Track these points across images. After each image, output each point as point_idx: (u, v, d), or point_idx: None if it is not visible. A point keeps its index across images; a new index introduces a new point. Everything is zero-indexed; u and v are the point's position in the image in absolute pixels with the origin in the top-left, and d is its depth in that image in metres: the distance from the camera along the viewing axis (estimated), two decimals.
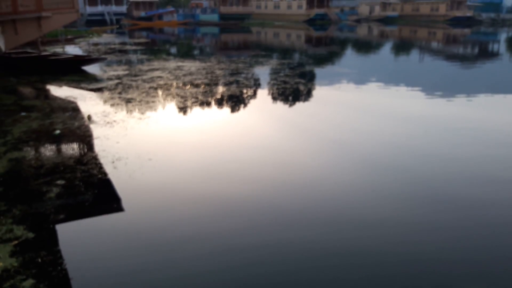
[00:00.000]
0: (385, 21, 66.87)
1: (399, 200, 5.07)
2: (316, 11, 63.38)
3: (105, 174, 5.62)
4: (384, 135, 7.64)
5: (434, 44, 31.33)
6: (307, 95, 11.62)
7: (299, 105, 10.61)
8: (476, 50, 27.71)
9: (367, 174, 5.84)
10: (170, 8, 56.72)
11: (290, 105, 10.52)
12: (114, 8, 51.86)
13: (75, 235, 4.24)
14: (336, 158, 6.49)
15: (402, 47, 29.45)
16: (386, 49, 27.81)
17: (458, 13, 67.22)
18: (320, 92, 12.01)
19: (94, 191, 5.13)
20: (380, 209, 4.83)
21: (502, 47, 30.18)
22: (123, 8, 53.58)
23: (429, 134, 7.72)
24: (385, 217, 4.64)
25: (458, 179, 5.75)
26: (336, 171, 5.99)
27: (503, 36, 40.20)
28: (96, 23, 46.68)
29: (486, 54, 25.24)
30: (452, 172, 5.96)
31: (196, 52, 24.02)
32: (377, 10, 70.87)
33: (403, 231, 4.38)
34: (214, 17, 57.19)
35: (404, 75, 15.59)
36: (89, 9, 50.13)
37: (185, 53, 22.77)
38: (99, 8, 50.84)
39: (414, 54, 24.90)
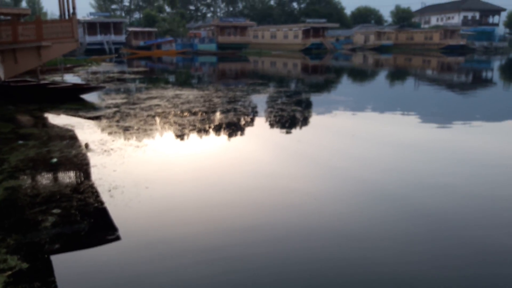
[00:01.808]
0: (380, 49, 68.28)
1: (397, 230, 5.04)
2: (312, 40, 64.81)
3: (101, 202, 5.58)
4: (381, 162, 7.65)
5: (429, 72, 31.91)
6: (304, 122, 11.72)
7: (296, 132, 10.68)
8: (470, 77, 28.23)
9: (364, 202, 5.82)
10: (169, 38, 57.83)
11: (287, 132, 10.59)
12: (113, 37, 52.80)
13: (70, 265, 4.17)
14: (334, 186, 6.49)
15: (397, 75, 29.98)
16: (381, 77, 28.30)
17: (452, 42, 68.82)
18: (316, 119, 12.13)
19: (90, 220, 5.08)
20: (376, 238, 4.79)
21: (495, 74, 30.77)
22: (122, 38, 54.57)
23: (427, 161, 7.74)
24: (380, 246, 4.60)
25: (455, 206, 5.73)
26: (334, 199, 5.97)
27: (496, 64, 41.06)
28: (95, 52, 47.41)
29: (480, 81, 25.71)
30: (451, 199, 5.95)
31: (194, 80, 24.35)
32: (372, 39, 72.49)
33: (404, 262, 4.33)
34: (212, 47, 58.26)
35: (400, 102, 15.80)
36: (89, 38, 51.00)
37: (183, 82, 23.07)
38: (99, 37, 51.73)
39: (409, 81, 25.32)
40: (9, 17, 29.88)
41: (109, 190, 5.99)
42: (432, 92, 19.54)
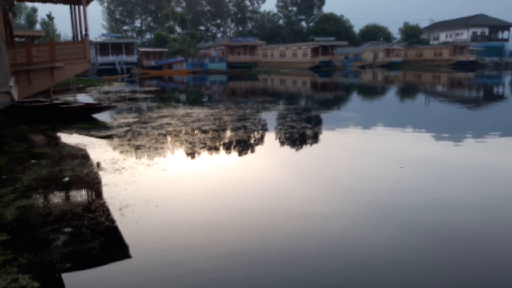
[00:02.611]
0: (389, 66, 68.39)
1: (415, 252, 4.93)
2: (321, 58, 65.29)
3: (112, 221, 5.58)
4: (394, 180, 7.56)
5: (440, 88, 31.77)
6: (314, 139, 11.69)
7: (306, 149, 10.65)
8: (482, 93, 28.00)
9: (380, 223, 5.72)
10: (180, 58, 58.82)
11: (297, 150, 10.56)
12: (125, 57, 53.84)
13: (81, 284, 4.15)
14: (346, 206, 6.37)
15: (407, 91, 29.89)
16: (391, 93, 28.23)
17: (461, 58, 68.72)
18: (326, 136, 12.09)
19: (101, 239, 5.08)
20: (389, 256, 4.68)
21: (507, 89, 30.50)
22: (133, 58, 55.63)
23: (441, 179, 7.62)
24: (394, 268, 4.49)
25: (469, 224, 5.60)
26: (347, 220, 5.87)
27: (507, 79, 40.73)
28: (107, 72, 48.32)
29: (492, 96, 25.48)
30: (470, 219, 5.83)
31: (204, 99, 24.57)
32: (381, 56, 72.74)
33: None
34: (222, 66, 59.06)
35: (411, 119, 15.67)
36: (101, 59, 52.06)
37: (194, 100, 23.30)
38: (110, 58, 52.79)
39: (420, 98, 25.21)
40: (23, 39, 30.77)
41: (120, 209, 6.00)
42: (443, 108, 19.42)
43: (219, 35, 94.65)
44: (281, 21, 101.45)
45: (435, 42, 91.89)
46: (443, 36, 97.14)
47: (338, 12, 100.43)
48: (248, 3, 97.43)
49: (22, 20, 78.64)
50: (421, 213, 5.93)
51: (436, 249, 4.85)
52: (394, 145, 10.69)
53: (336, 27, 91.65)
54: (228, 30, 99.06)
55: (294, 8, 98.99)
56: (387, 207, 6.15)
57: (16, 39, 26.69)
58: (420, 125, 13.80)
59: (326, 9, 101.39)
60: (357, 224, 5.60)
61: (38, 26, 78.79)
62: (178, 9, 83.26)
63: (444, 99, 23.22)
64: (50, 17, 69.08)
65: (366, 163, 8.86)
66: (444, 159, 9.07)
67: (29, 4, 72.68)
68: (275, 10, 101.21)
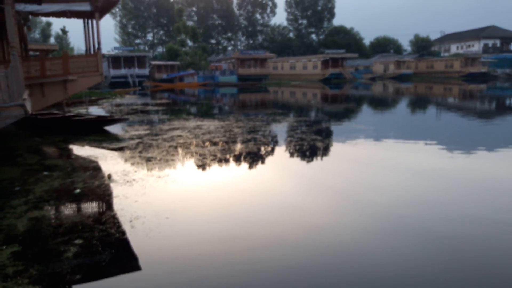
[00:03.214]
0: (400, 78, 68.16)
1: (425, 267, 4.83)
2: (331, 70, 65.41)
3: (122, 233, 5.59)
4: (405, 192, 7.46)
5: (451, 100, 31.50)
6: (325, 151, 11.63)
7: (316, 162, 10.59)
8: (493, 105, 27.67)
9: (390, 235, 5.64)
10: (191, 71, 59.47)
11: (308, 162, 10.51)
12: (137, 70, 54.61)
13: None
14: (357, 217, 6.30)
15: (418, 103, 29.67)
16: (402, 105, 28.06)
17: (473, 69, 68.23)
18: (337, 148, 12.01)
19: (111, 250, 5.08)
20: (401, 270, 4.59)
21: None
22: (145, 71, 56.39)
23: (454, 192, 7.53)
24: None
25: (483, 238, 5.48)
26: (358, 232, 5.79)
27: None
28: (120, 85, 49.00)
29: (504, 108, 25.14)
30: (485, 233, 5.71)
31: (215, 111, 24.72)
32: (392, 68, 72.59)
33: None
34: (233, 78, 59.55)
35: (422, 131, 15.50)
36: (113, 72, 52.83)
37: (205, 113, 23.45)
38: (123, 71, 53.57)
39: (431, 109, 25.00)
40: (38, 53, 31.47)
41: (131, 221, 6.01)
42: (455, 120, 19.21)
43: (230, 48, 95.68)
44: (291, 34, 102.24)
45: (446, 54, 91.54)
46: (454, 48, 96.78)
47: (348, 25, 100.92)
48: (258, 16, 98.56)
49: (36, 34, 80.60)
50: (434, 226, 5.82)
51: (449, 263, 4.76)
52: (405, 157, 10.57)
53: (346, 39, 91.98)
54: (238, 43, 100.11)
55: (304, 21, 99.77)
56: (398, 221, 6.06)
57: (31, 52, 27.31)
58: (432, 137, 13.65)
59: (336, 21, 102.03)
60: (368, 238, 5.51)
61: (52, 40, 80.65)
62: (190, 23, 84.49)
63: (456, 111, 22.99)
64: (64, 31, 70.67)
65: (377, 175, 8.76)
66: (456, 172, 8.93)
67: (44, 19, 74.57)
68: (285, 23, 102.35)
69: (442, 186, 7.84)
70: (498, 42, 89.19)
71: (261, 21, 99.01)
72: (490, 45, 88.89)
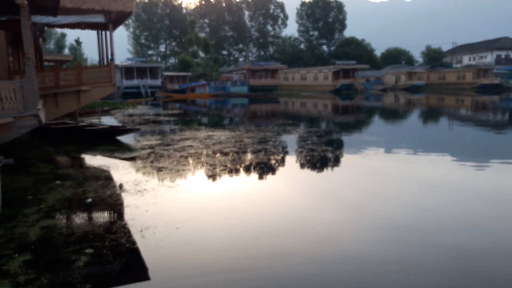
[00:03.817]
0: (411, 89, 67.77)
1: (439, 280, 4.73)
2: (342, 81, 65.40)
3: (133, 243, 5.60)
4: (417, 205, 7.34)
5: (463, 111, 31.14)
6: (335, 162, 11.56)
7: (327, 173, 10.51)
8: (507, 116, 27.25)
9: (401, 248, 5.54)
10: (202, 81, 60.05)
11: (318, 173, 10.44)
12: (149, 81, 55.34)
13: None
14: (370, 231, 6.21)
15: (430, 114, 29.40)
16: (414, 117, 27.82)
17: (485, 81, 67.65)
18: (348, 159, 11.92)
19: (122, 260, 5.09)
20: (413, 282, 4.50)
21: None
22: (158, 82, 57.10)
23: (467, 204, 7.40)
24: None
25: (496, 252, 5.35)
26: (370, 244, 5.70)
27: None
28: (132, 95, 49.64)
29: None
30: (493, 246, 5.57)
31: (226, 122, 24.82)
32: (403, 79, 72.26)
33: None
34: (244, 89, 59.91)
35: (434, 143, 15.31)
36: (126, 82, 53.59)
37: (216, 123, 23.55)
38: (135, 81, 54.32)
39: (443, 121, 24.72)
40: (52, 63, 32.08)
41: (141, 230, 6.01)
42: (467, 131, 18.95)
43: (241, 59, 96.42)
44: (302, 45, 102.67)
45: (458, 65, 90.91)
46: (466, 59, 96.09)
47: (359, 36, 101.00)
48: (269, 28, 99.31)
49: (51, 45, 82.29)
50: (446, 239, 5.71)
51: (462, 277, 4.65)
52: (417, 169, 10.41)
53: (357, 50, 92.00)
54: (250, 54, 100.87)
55: (316, 33, 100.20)
56: (410, 233, 5.96)
57: (46, 63, 27.87)
58: (444, 149, 13.48)
59: (347, 33, 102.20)
60: (379, 250, 5.43)
61: (66, 51, 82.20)
62: (202, 35, 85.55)
63: (468, 123, 22.68)
64: (78, 42, 72.12)
65: (388, 187, 8.67)
66: (468, 184, 8.81)
67: (59, 30, 76.20)
68: (296, 34, 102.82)
69: (453, 198, 7.72)
70: (511, 54, 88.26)
71: (272, 33, 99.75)
72: (503, 56, 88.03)
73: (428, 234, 5.95)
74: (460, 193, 8.16)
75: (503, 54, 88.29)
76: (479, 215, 6.82)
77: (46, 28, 19.24)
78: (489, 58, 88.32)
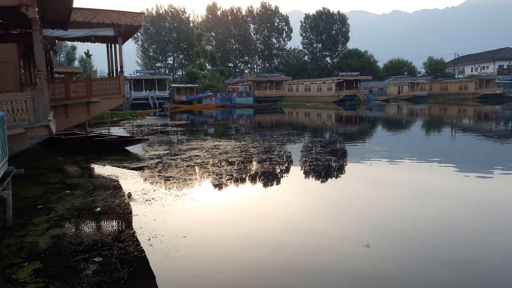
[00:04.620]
0: (414, 100, 67.85)
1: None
2: (345, 92, 65.68)
3: (141, 251, 5.68)
4: (424, 214, 7.36)
5: (466, 121, 31.05)
6: (340, 172, 11.60)
7: (331, 182, 10.55)
8: (510, 126, 27.13)
9: (412, 260, 5.56)
10: (209, 93, 60.63)
11: (322, 182, 10.49)
12: (157, 93, 55.95)
13: None
14: (379, 243, 6.24)
15: (433, 124, 29.34)
16: (417, 126, 27.78)
17: (488, 91, 67.68)
18: (352, 169, 11.93)
19: (130, 269, 5.16)
20: None
21: None
22: (165, 93, 57.72)
23: (476, 216, 7.39)
24: None
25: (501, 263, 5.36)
26: (380, 257, 5.73)
27: None
28: (141, 106, 50.14)
29: None
30: (497, 256, 5.58)
31: (232, 132, 24.94)
32: (406, 90, 72.36)
33: None
34: (249, 100, 60.37)
35: (437, 152, 15.27)
36: (134, 94, 54.23)
37: (222, 133, 23.69)
38: (144, 93, 54.93)
39: (446, 131, 24.67)
40: (62, 75, 32.54)
41: (149, 239, 6.10)
42: (470, 141, 18.89)
43: (246, 71, 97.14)
44: (306, 57, 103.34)
45: (461, 76, 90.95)
46: (468, 70, 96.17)
47: (362, 48, 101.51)
48: (274, 41, 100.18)
49: (62, 57, 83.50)
50: (454, 250, 5.75)
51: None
52: (420, 178, 10.42)
53: (360, 62, 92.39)
54: (255, 66, 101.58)
55: (319, 45, 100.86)
56: (418, 246, 5.98)
57: (56, 75, 28.28)
58: (447, 158, 13.47)
59: (350, 45, 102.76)
60: (387, 260, 5.46)
61: (76, 63, 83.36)
62: (209, 47, 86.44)
63: (471, 133, 22.59)
64: (87, 55, 73.12)
65: (394, 197, 8.69)
66: (473, 194, 8.80)
67: (69, 43, 77.37)
68: (300, 46, 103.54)
69: (458, 208, 7.74)
70: None
71: (277, 45, 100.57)
72: (505, 66, 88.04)
73: (438, 247, 5.94)
74: (465, 202, 8.16)
75: (505, 64, 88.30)
76: (485, 224, 6.83)
77: (56, 41, 19.60)
78: (491, 68, 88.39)
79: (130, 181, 10.27)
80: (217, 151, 14.97)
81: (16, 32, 14.44)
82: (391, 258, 5.53)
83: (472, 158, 14.05)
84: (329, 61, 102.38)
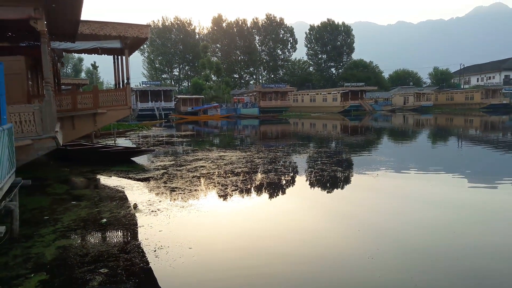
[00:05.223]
0: (420, 110, 67.70)
1: None
2: (351, 103, 65.72)
3: (146, 262, 5.66)
4: (431, 225, 7.28)
5: (472, 131, 30.87)
6: (345, 182, 11.54)
7: (337, 192, 10.50)
8: None
9: (419, 271, 5.50)
10: (214, 103, 60.94)
11: (328, 193, 10.44)
12: (163, 104, 56.33)
13: None
14: (384, 252, 6.19)
15: (439, 134, 29.20)
16: (423, 137, 27.65)
17: (494, 101, 67.51)
18: (358, 179, 11.87)
19: (135, 280, 5.15)
20: None
21: None
22: (171, 104, 58.10)
23: (484, 227, 7.32)
24: None
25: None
26: (385, 266, 5.68)
27: None
28: (147, 117, 50.47)
29: None
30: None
31: (237, 142, 24.96)
32: (411, 100, 72.26)
33: None
34: (255, 111, 60.57)
35: (443, 163, 15.17)
36: (140, 105, 54.62)
37: (227, 144, 23.72)
38: (150, 104, 55.34)
39: (452, 141, 24.51)
40: (69, 87, 32.91)
41: (155, 250, 6.08)
42: (477, 151, 18.75)
43: (252, 82, 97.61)
44: (311, 68, 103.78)
45: (466, 86, 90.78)
46: (474, 80, 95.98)
47: (367, 59, 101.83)
48: (279, 52, 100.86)
49: (68, 69, 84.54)
50: (461, 260, 5.67)
51: None
52: (427, 189, 10.33)
53: (366, 72, 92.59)
54: (260, 77, 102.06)
55: (324, 56, 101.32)
56: (426, 255, 5.92)
57: (63, 86, 28.60)
58: (453, 168, 13.35)
59: (355, 55, 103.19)
60: (393, 271, 5.40)
61: (83, 74, 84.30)
62: (214, 59, 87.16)
63: (478, 143, 22.42)
64: (94, 66, 73.97)
65: (399, 207, 8.62)
66: (479, 204, 8.71)
67: (76, 55, 78.39)
68: (305, 57, 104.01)
69: (465, 219, 7.68)
70: None
71: (282, 56, 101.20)
72: (511, 76, 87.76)
73: (445, 259, 5.87)
74: (477, 215, 8.08)
75: (511, 74, 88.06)
76: (500, 239, 6.74)
77: (64, 53, 19.86)
78: (497, 78, 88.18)
79: (135, 192, 10.29)
80: (222, 162, 14.98)
81: (24, 44, 14.65)
82: (397, 269, 5.47)
83: (479, 168, 13.93)
84: (334, 71, 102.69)
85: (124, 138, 26.48)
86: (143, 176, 12.39)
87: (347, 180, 11.85)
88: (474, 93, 71.54)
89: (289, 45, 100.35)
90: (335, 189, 10.90)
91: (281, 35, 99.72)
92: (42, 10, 9.30)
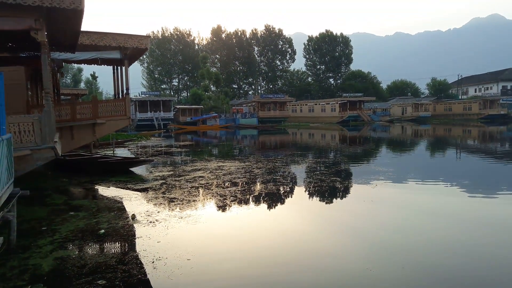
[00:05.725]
0: (418, 120, 68.04)
1: None
2: (349, 113, 66.04)
3: (144, 274, 5.63)
4: (428, 234, 7.27)
5: (470, 142, 30.95)
6: (344, 193, 11.54)
7: (336, 203, 10.48)
8: None
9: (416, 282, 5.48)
10: (213, 114, 61.10)
11: (327, 203, 10.42)
12: (162, 114, 56.50)
13: None
14: (382, 263, 6.17)
15: (437, 145, 29.27)
16: (421, 147, 27.71)
17: (492, 111, 67.93)
18: (356, 190, 11.86)
19: None
20: None
21: None
22: (170, 114, 58.27)
23: (483, 238, 7.31)
24: None
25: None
26: (383, 277, 5.65)
27: None
28: (146, 127, 50.56)
29: None
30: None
31: (236, 152, 24.97)
32: (409, 111, 72.64)
33: None
34: (253, 121, 60.74)
35: (442, 173, 15.19)
36: (140, 115, 54.77)
37: (226, 154, 23.72)
38: (149, 114, 55.49)
39: (451, 152, 24.57)
40: (69, 97, 32.99)
41: (153, 262, 6.05)
42: (475, 162, 18.79)
43: (250, 92, 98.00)
44: (309, 79, 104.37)
45: (464, 97, 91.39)
46: (472, 91, 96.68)
47: (365, 69, 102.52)
48: (278, 62, 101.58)
49: (68, 79, 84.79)
50: (462, 272, 5.65)
51: None
52: (425, 200, 10.33)
53: (364, 83, 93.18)
54: (259, 87, 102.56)
55: (323, 67, 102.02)
56: (427, 267, 5.90)
57: (62, 96, 28.68)
58: (452, 180, 13.37)
59: (354, 66, 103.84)
60: (390, 283, 5.38)
61: (82, 84, 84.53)
62: (213, 69, 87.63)
63: (476, 153, 22.48)
64: (93, 77, 74.21)
65: (397, 219, 8.61)
66: (478, 216, 8.71)
67: (76, 65, 78.65)
68: (304, 68, 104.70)
69: (464, 231, 7.67)
70: None
71: (280, 67, 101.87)
72: (509, 87, 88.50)
73: (443, 270, 5.86)
74: (476, 226, 8.08)
75: (508, 85, 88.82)
76: (499, 250, 6.74)
77: (63, 63, 19.95)
78: (494, 89, 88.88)
79: (134, 202, 10.25)
80: (221, 172, 14.97)
81: (24, 55, 14.72)
82: (396, 280, 5.44)
83: (477, 179, 13.95)
84: (332, 82, 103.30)
85: (123, 148, 26.46)
86: (141, 187, 12.36)
87: (345, 191, 11.85)
88: (472, 103, 72.03)
89: (288, 55, 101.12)
90: (334, 200, 10.89)
91: (280, 46, 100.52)
92: (43, 21, 9.36)
